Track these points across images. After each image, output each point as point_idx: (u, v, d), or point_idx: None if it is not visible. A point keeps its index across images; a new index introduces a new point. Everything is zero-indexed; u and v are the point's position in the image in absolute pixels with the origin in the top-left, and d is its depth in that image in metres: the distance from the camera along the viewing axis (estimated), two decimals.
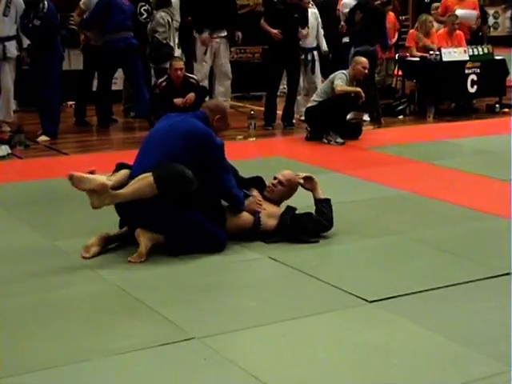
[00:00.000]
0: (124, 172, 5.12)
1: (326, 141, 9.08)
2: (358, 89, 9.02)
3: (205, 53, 10.41)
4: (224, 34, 10.51)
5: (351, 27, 10.84)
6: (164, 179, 4.87)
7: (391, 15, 12.82)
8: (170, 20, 10.82)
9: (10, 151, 8.58)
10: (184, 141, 5.10)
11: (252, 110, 10.18)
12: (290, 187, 5.63)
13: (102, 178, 4.87)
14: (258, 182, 5.72)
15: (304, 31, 10.24)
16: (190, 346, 3.77)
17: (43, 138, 9.51)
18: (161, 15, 10.72)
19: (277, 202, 5.61)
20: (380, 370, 3.52)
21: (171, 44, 10.68)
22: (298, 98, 10.80)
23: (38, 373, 3.50)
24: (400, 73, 12.49)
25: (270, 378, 3.43)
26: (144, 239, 5.03)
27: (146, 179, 4.88)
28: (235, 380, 3.44)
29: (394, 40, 12.77)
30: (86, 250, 5.10)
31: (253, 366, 3.53)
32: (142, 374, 3.49)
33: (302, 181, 5.61)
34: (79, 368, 3.54)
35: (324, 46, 11.18)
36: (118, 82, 11.36)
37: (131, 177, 5.02)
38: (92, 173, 4.90)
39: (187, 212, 5.06)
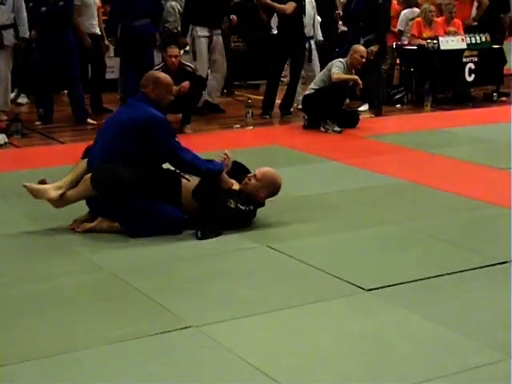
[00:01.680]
0: (82, 165, 5.46)
1: (323, 129, 9.07)
2: (355, 76, 9.03)
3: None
4: (219, 31, 10.48)
5: (348, 15, 10.82)
6: (98, 183, 5.23)
7: (394, 3, 12.76)
8: (180, 9, 10.85)
9: (7, 140, 8.57)
10: (126, 133, 5.32)
11: (249, 98, 10.16)
12: (263, 183, 5.46)
13: (49, 191, 5.37)
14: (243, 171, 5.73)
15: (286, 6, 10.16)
16: (187, 334, 3.77)
17: (91, 120, 9.71)
18: (171, 4, 10.79)
19: (254, 197, 5.48)
20: (377, 359, 3.52)
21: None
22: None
23: (36, 361, 3.49)
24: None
25: (267, 366, 3.43)
26: (101, 222, 5.38)
27: (85, 182, 5.30)
28: (232, 368, 3.44)
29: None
30: (76, 224, 5.43)
31: (250, 355, 3.53)
32: (140, 362, 3.49)
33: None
34: (76, 357, 3.54)
35: (319, 36, 11.17)
36: (115, 70, 11.33)
37: (88, 167, 5.38)
38: (43, 182, 5.40)
39: (135, 200, 5.26)
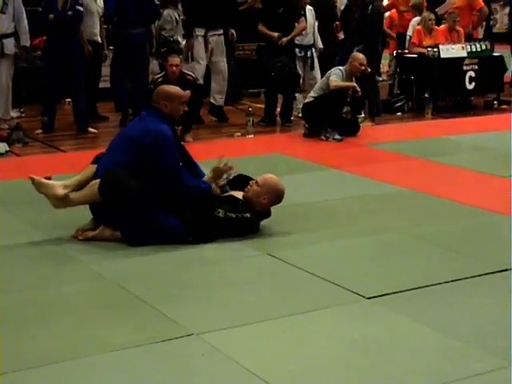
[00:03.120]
0: (90, 170, 5.45)
1: (324, 137, 9.08)
2: (353, 84, 9.05)
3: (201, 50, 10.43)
4: (220, 31, 10.50)
5: (346, 25, 10.86)
6: (106, 189, 5.22)
7: (393, 11, 12.85)
8: (177, 17, 10.88)
9: (8, 148, 8.56)
10: (132, 146, 5.34)
11: (250, 106, 10.17)
12: (265, 189, 5.47)
13: (56, 188, 5.35)
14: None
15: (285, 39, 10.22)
16: (188, 342, 3.78)
17: (92, 129, 9.78)
18: (168, 13, 10.81)
19: (256, 204, 5.49)
20: (377, 367, 3.53)
21: (179, 40, 10.75)
22: (296, 95, 10.80)
23: (38, 369, 3.50)
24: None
25: (268, 374, 3.43)
26: (103, 230, 5.37)
27: (92, 187, 5.28)
28: (233, 376, 3.45)
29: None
30: (79, 232, 5.43)
31: (251, 362, 3.54)
32: (141, 370, 3.49)
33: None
34: (78, 364, 3.55)
35: (319, 44, 11.21)
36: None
37: (95, 174, 5.37)
38: (49, 179, 5.42)
39: (138, 209, 5.25)
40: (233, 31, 10.98)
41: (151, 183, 5.28)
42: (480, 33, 13.77)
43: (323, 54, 11.31)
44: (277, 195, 5.55)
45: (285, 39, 10.12)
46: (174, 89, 5.70)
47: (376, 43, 10.65)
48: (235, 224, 5.36)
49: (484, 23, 13.78)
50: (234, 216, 5.36)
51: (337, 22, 11.68)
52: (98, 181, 5.29)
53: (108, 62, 11.04)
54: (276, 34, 10.12)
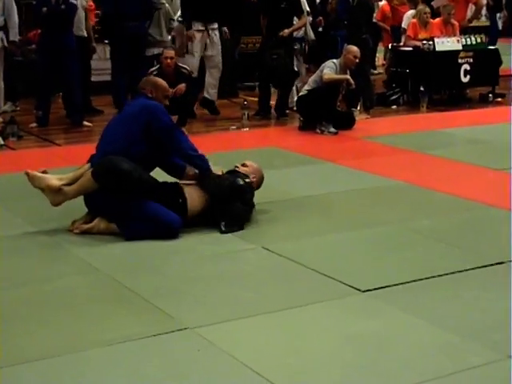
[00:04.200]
0: (85, 167, 5.48)
1: (319, 131, 9.07)
2: (347, 76, 9.04)
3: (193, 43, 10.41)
4: (216, 26, 10.49)
5: (326, 17, 10.91)
6: (100, 175, 5.24)
7: (384, 4, 12.88)
8: (156, 10, 10.84)
9: (2, 142, 8.54)
10: (135, 119, 5.47)
11: (245, 100, 10.15)
12: (253, 170, 5.80)
13: (51, 179, 5.37)
14: None
15: (287, 31, 10.22)
16: (183, 336, 3.77)
17: (87, 122, 9.78)
18: None
19: None
20: (373, 360, 3.52)
21: (154, 32, 10.66)
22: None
23: (33, 363, 3.50)
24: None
25: (264, 368, 3.43)
26: (99, 222, 5.37)
27: (87, 174, 5.30)
28: (229, 370, 3.44)
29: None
30: (74, 225, 5.42)
31: (247, 357, 3.53)
32: (136, 364, 3.48)
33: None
34: (73, 359, 3.54)
35: (311, 36, 11.22)
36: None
37: (91, 165, 5.41)
38: (45, 172, 5.40)
39: (134, 201, 5.29)
40: (225, 29, 10.96)
41: (146, 169, 5.40)
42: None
43: (315, 46, 11.32)
44: (261, 176, 5.87)
45: (286, 31, 10.12)
46: (162, 81, 5.91)
47: (361, 34, 10.62)
48: (250, 188, 5.65)
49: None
50: (248, 180, 5.66)
51: (320, 18, 11.71)
52: (90, 170, 5.32)
53: (97, 56, 11.03)
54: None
